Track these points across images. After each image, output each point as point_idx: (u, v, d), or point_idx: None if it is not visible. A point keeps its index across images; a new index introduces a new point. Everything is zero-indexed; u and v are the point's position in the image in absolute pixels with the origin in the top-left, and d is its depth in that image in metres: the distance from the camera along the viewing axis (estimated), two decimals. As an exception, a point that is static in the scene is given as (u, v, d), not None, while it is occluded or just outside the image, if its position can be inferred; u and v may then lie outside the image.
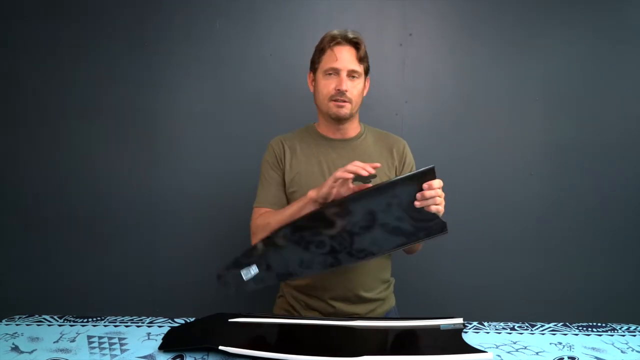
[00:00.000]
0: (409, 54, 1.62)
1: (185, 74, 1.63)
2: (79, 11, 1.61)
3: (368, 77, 1.20)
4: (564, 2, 1.59)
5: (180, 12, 1.61)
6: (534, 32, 1.60)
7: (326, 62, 1.13)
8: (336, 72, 1.12)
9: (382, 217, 0.92)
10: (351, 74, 1.12)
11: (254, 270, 0.95)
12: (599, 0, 1.60)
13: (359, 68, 1.13)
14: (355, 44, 1.12)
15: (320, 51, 1.15)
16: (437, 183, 0.88)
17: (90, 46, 1.62)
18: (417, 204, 0.89)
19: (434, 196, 0.88)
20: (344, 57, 1.11)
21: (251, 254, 0.96)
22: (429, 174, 0.87)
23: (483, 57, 1.61)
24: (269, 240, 0.95)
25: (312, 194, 1.00)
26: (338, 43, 1.11)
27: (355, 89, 1.13)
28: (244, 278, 0.95)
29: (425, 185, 0.88)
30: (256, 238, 1.13)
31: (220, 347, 0.88)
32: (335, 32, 1.13)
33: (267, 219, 1.12)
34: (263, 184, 1.20)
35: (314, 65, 1.18)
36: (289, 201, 1.18)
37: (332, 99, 1.13)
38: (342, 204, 0.92)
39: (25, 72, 1.63)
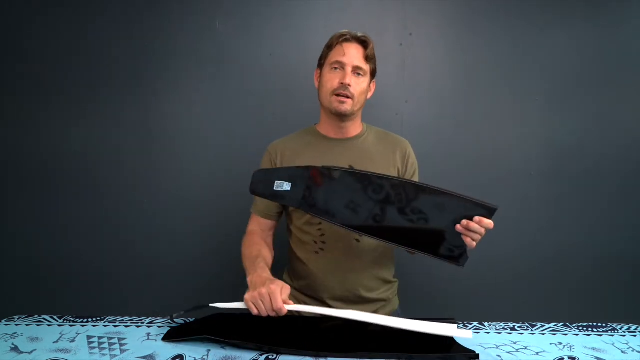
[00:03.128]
0: (409, 54, 1.61)
1: (185, 74, 1.63)
2: (78, 11, 1.61)
3: (374, 80, 1.21)
4: (565, 1, 1.59)
5: (180, 12, 1.61)
6: (534, 32, 1.60)
7: (333, 56, 1.14)
8: (342, 66, 1.13)
9: (426, 215, 0.93)
10: (356, 71, 1.13)
11: (287, 186, 0.99)
12: (599, 0, 1.60)
13: (365, 66, 1.14)
14: (364, 42, 1.14)
15: (328, 47, 1.17)
16: (487, 223, 0.89)
17: (89, 46, 1.62)
18: (458, 227, 0.91)
19: (477, 232, 0.90)
20: (351, 53, 1.12)
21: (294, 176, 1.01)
22: (487, 211, 0.88)
23: (483, 56, 1.61)
24: (325, 170, 0.99)
25: (250, 278, 0.99)
26: (347, 40, 1.13)
27: (359, 86, 1.14)
28: (274, 188, 1.00)
29: (476, 219, 0.89)
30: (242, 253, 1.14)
31: (218, 338, 0.91)
32: (345, 30, 1.15)
33: (243, 251, 1.13)
34: None
35: (321, 62, 1.19)
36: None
37: (335, 93, 1.13)
38: (406, 186, 0.95)
39: (25, 72, 1.63)
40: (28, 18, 1.61)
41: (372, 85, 1.21)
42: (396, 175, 1.19)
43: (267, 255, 1.12)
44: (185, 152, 1.65)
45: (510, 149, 1.64)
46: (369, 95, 1.21)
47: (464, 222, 0.90)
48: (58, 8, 1.61)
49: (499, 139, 1.64)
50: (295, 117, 1.56)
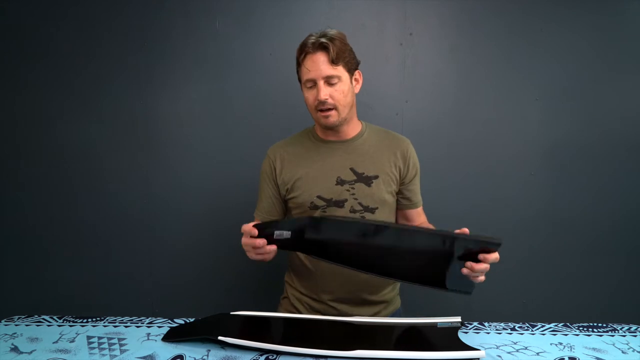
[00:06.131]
0: (409, 54, 1.61)
1: (185, 74, 1.63)
2: (79, 11, 1.61)
3: (358, 71, 1.15)
4: (565, 2, 1.59)
5: (180, 12, 1.61)
6: (534, 32, 1.60)
7: (302, 75, 1.11)
8: (313, 82, 1.09)
9: (422, 253, 0.95)
10: (329, 80, 1.08)
11: (287, 234, 0.98)
12: (599, 0, 1.60)
13: (335, 71, 1.07)
14: (324, 47, 1.06)
15: (297, 64, 1.13)
16: (493, 259, 0.88)
17: (90, 46, 1.62)
18: (464, 271, 0.90)
19: (483, 271, 0.89)
20: (316, 66, 1.07)
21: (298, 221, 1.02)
22: (493, 246, 0.87)
23: (483, 56, 1.61)
24: (317, 220, 1.00)
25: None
26: (307, 53, 1.08)
27: (337, 93, 1.09)
28: (274, 237, 0.98)
29: (481, 257, 0.88)
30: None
31: (220, 338, 0.91)
32: (308, 39, 1.09)
33: None
34: (260, 194, 1.23)
35: (298, 77, 1.16)
36: (288, 207, 1.20)
37: (317, 109, 1.11)
38: (402, 231, 0.97)
39: (26, 72, 1.62)
40: (30, 19, 1.61)
41: (357, 76, 1.15)
42: (397, 175, 1.18)
43: None
44: (185, 151, 1.65)
45: (511, 149, 1.63)
46: (357, 88, 1.15)
47: (469, 264, 0.89)
48: (57, 8, 1.61)
49: (499, 139, 1.63)
50: (295, 117, 1.55)
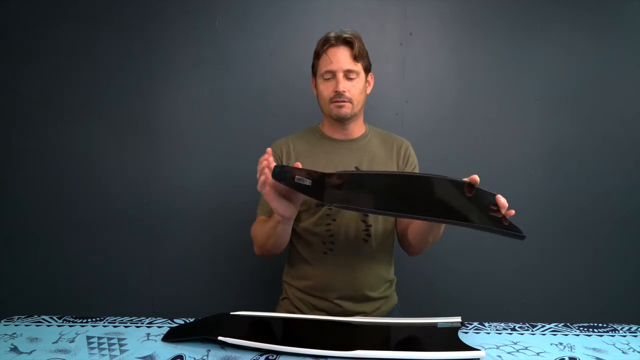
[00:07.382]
0: (409, 54, 1.61)
1: (185, 74, 1.63)
2: (79, 11, 1.61)
3: (371, 74, 1.20)
4: (565, 2, 1.59)
5: (180, 12, 1.61)
6: (535, 32, 1.60)
7: (322, 66, 1.14)
8: (333, 74, 1.12)
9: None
10: (348, 75, 1.12)
11: (308, 182, 0.96)
12: (599, 0, 1.60)
13: (355, 67, 1.12)
14: (349, 43, 1.11)
15: (316, 56, 1.17)
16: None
17: (90, 46, 1.61)
18: (504, 212, 0.90)
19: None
20: (339, 58, 1.11)
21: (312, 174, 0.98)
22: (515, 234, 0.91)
23: (483, 56, 1.61)
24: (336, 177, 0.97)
25: (277, 216, 1.02)
26: (331, 45, 1.12)
27: (354, 88, 1.13)
28: (296, 180, 0.96)
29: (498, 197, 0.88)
30: (254, 246, 1.18)
31: (220, 338, 0.91)
32: (330, 34, 1.13)
33: (256, 231, 1.17)
34: None
35: (313, 70, 1.19)
36: None
37: (332, 101, 1.13)
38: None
39: (26, 72, 1.62)
40: (29, 19, 1.61)
41: (370, 79, 1.20)
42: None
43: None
44: (185, 152, 1.65)
45: (511, 149, 1.63)
46: (369, 90, 1.21)
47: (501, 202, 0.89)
48: (57, 8, 1.60)
49: (499, 139, 1.63)
50: (295, 117, 1.55)
